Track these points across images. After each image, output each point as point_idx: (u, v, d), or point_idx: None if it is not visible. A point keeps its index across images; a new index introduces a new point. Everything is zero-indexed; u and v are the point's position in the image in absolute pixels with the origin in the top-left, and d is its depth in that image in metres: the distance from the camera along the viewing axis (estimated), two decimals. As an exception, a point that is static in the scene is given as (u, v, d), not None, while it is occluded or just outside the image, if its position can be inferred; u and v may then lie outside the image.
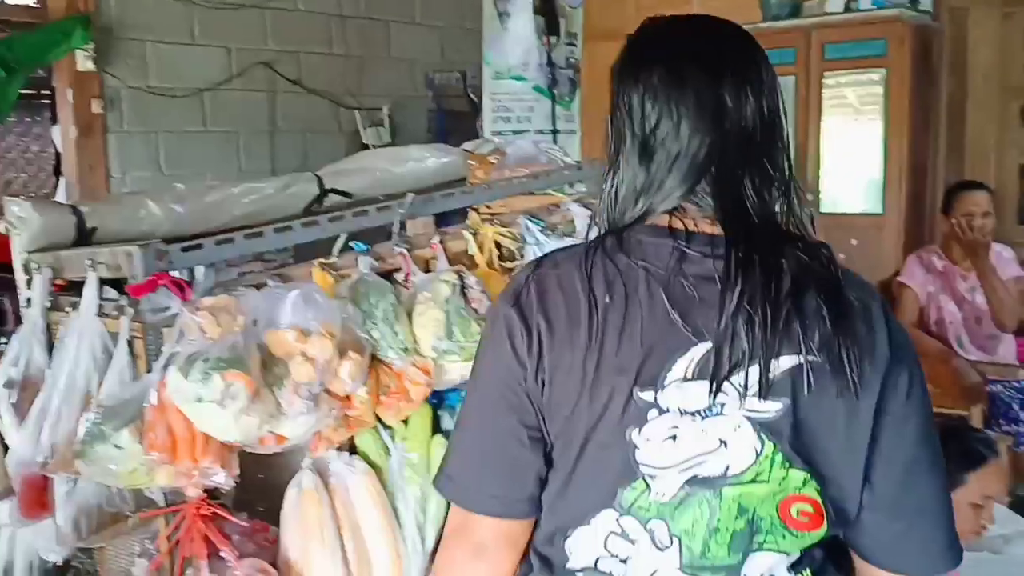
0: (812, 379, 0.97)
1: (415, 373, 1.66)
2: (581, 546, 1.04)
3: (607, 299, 1.00)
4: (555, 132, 4.04)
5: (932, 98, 4.77)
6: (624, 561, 1.03)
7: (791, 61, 4.88)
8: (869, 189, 4.74)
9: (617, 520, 1.02)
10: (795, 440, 0.99)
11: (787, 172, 1.05)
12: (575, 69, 4.08)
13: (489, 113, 3.74)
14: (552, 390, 1.02)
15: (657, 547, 1.01)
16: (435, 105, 5.54)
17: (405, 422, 1.81)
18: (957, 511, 2.17)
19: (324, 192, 2.12)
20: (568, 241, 2.14)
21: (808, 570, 1.05)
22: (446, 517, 1.10)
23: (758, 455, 0.99)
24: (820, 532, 1.02)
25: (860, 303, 1.01)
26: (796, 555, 1.03)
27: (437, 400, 1.91)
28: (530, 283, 1.05)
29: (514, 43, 3.68)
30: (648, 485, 1.01)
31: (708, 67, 1.03)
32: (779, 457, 0.99)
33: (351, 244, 1.83)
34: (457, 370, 1.75)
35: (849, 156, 4.83)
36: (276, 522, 1.68)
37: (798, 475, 1.00)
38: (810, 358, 0.97)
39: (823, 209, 4.85)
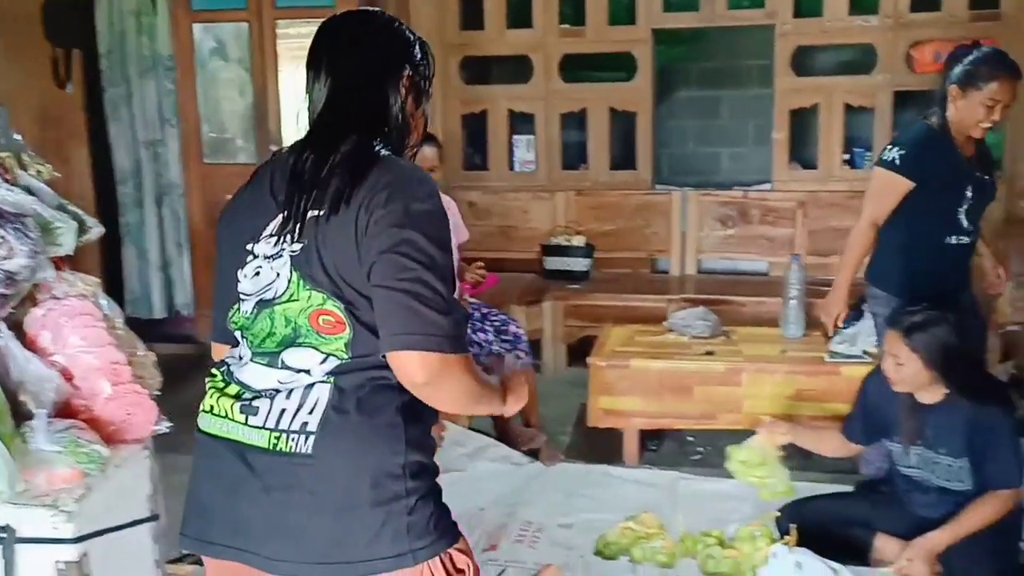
0: (318, 228, 1.40)
1: None
2: (231, 351, 1.56)
3: (253, 183, 1.54)
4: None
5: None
6: (240, 358, 1.51)
7: (243, 7, 4.75)
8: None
9: (237, 334, 1.52)
10: (312, 270, 1.41)
11: (389, 113, 1.52)
12: None
13: None
14: (221, 245, 1.55)
15: (243, 344, 1.50)
16: None
17: None
18: None
19: None
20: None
21: (336, 377, 1.41)
22: None
23: (290, 282, 1.43)
24: (345, 335, 1.41)
25: (379, 183, 1.40)
26: (326, 352, 1.42)
27: None
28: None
29: None
30: (239, 307, 1.49)
31: (334, 48, 1.54)
32: (303, 283, 1.42)
33: None
34: None
35: (310, 106, 4.86)
36: None
37: (318, 296, 1.41)
38: (323, 212, 1.40)
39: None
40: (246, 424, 1.43)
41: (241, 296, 1.48)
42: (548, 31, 5.33)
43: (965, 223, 3.03)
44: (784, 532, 2.80)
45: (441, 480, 3.29)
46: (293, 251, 1.42)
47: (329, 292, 1.40)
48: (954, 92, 2.95)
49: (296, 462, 1.39)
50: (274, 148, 4.77)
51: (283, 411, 1.41)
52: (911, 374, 2.68)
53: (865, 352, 3.57)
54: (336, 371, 1.41)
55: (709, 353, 3.75)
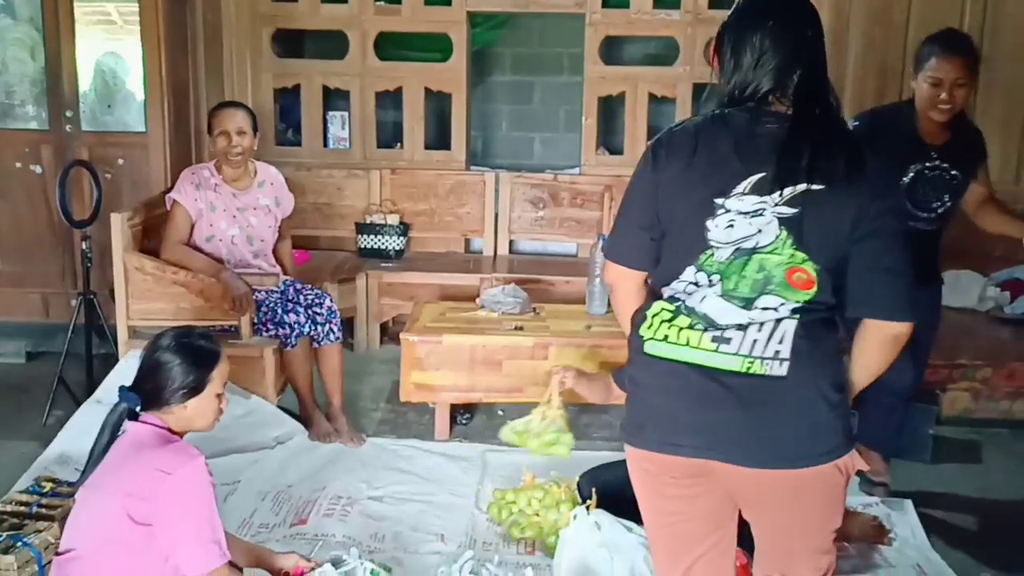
0: (815, 199, 1.68)
1: None
2: (675, 286, 1.80)
3: (704, 144, 1.75)
4: None
5: (188, 21, 4.78)
6: (690, 294, 1.77)
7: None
8: (132, 107, 4.60)
9: (694, 273, 1.76)
10: (800, 233, 1.69)
11: (829, 90, 1.78)
12: None
13: None
14: (665, 194, 1.79)
15: (709, 285, 1.75)
16: None
17: None
18: (206, 406, 2.19)
19: None
20: None
21: (800, 315, 1.72)
22: None
23: (777, 238, 1.70)
24: (811, 293, 1.71)
25: (872, 171, 1.71)
26: (793, 303, 1.71)
27: None
28: (663, 136, 1.83)
29: None
30: (713, 253, 1.74)
31: (790, 21, 1.78)
32: (789, 241, 1.70)
33: None
34: None
35: (111, 73, 4.62)
36: None
37: (800, 255, 1.70)
38: (816, 187, 1.68)
39: (84, 127, 4.57)
40: (716, 351, 1.73)
41: (712, 244, 1.74)
42: (364, 7, 5.27)
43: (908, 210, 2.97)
44: (586, 497, 2.94)
45: (249, 457, 3.26)
46: (781, 212, 1.69)
47: (812, 255, 1.70)
48: (912, 75, 3.05)
49: (769, 382, 1.71)
50: (69, 113, 4.53)
51: (755, 341, 1.72)
52: None
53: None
54: (798, 311, 1.71)
55: (518, 328, 3.86)
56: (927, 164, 3.00)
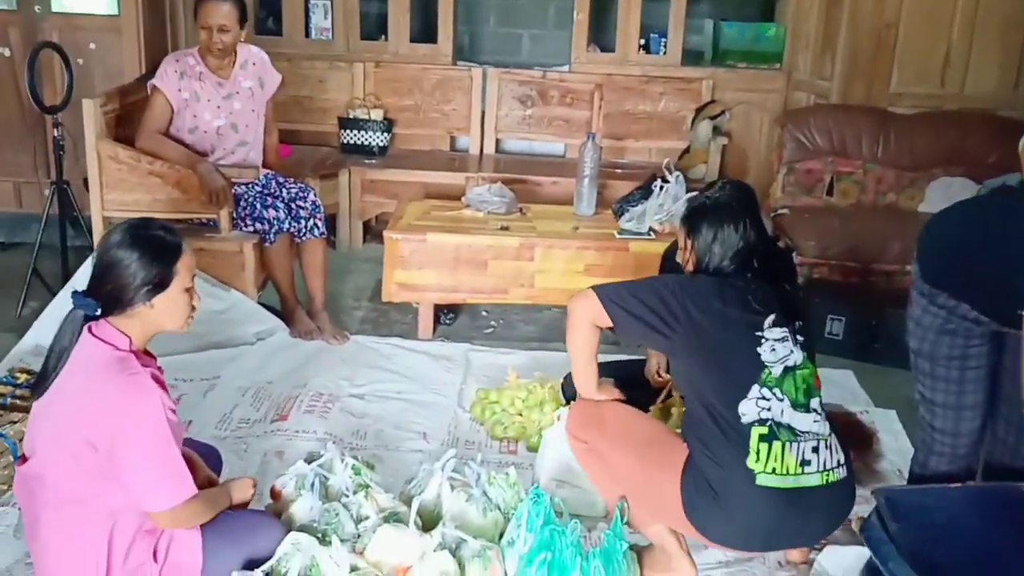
0: (805, 329, 2.29)
1: None
2: (748, 406, 2.15)
3: (726, 293, 2.24)
4: None
5: None
6: (770, 410, 2.15)
7: None
8: (103, -12, 4.39)
9: (759, 389, 2.16)
10: (807, 350, 2.26)
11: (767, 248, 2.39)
12: None
13: None
14: (697, 318, 2.23)
15: (779, 399, 2.16)
16: None
17: None
18: (175, 302, 1.98)
19: None
20: None
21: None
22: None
23: (804, 357, 2.24)
24: (820, 391, 2.26)
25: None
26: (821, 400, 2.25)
27: None
28: (685, 279, 2.35)
29: None
30: (770, 371, 2.17)
31: (738, 215, 2.33)
32: (804, 355, 2.23)
33: None
34: None
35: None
36: None
37: (811, 366, 2.24)
38: (798, 323, 2.27)
39: (54, 9, 4.36)
40: (803, 474, 2.14)
41: (767, 364, 2.17)
42: None
43: None
44: (569, 398, 2.92)
45: (229, 353, 3.18)
46: (797, 338, 2.22)
47: (813, 365, 2.25)
48: None
49: (839, 485, 2.20)
50: None
51: (825, 459, 2.17)
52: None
53: (651, 229, 3.73)
54: (824, 418, 2.24)
55: (504, 228, 3.79)
56: None
